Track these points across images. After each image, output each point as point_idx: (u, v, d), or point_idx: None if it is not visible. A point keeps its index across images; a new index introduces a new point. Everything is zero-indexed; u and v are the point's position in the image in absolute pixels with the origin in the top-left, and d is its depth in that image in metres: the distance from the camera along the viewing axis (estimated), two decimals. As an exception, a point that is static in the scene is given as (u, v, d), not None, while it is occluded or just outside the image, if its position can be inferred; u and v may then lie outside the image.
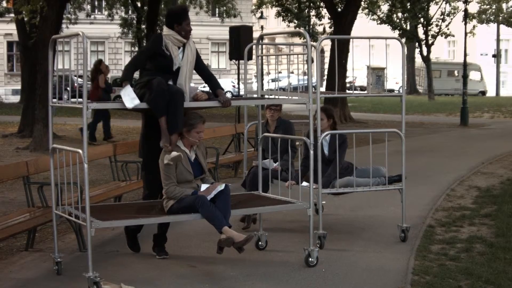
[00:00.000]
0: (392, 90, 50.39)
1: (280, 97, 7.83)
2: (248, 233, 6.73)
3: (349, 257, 7.35)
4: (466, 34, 27.22)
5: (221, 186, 6.70)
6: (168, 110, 6.51)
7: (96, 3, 44.88)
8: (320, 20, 33.42)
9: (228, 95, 44.97)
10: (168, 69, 6.75)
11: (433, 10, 43.21)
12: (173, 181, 6.66)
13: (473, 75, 51.55)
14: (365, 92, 31.73)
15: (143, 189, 7.46)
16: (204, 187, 6.75)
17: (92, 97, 16.84)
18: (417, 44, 44.86)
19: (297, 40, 42.23)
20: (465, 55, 27.50)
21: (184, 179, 6.73)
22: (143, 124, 7.17)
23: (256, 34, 10.75)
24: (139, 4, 30.97)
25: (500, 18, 50.17)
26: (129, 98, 6.26)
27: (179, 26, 6.81)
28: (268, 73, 44.57)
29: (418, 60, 49.14)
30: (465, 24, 27.54)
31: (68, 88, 6.73)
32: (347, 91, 27.12)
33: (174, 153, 6.58)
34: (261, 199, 7.41)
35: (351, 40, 24.57)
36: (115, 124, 24.01)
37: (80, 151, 6.09)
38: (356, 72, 44.01)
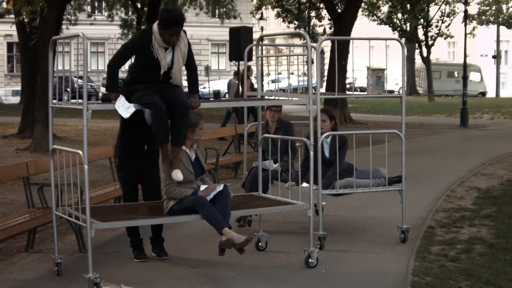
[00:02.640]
0: (392, 91, 50.29)
1: (280, 98, 7.83)
2: (248, 235, 6.71)
3: (349, 258, 7.35)
4: (466, 35, 27.24)
5: (220, 187, 6.71)
6: (172, 122, 6.44)
7: (96, 4, 44.87)
8: (320, 21, 33.42)
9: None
10: (156, 71, 6.48)
11: (433, 11, 43.23)
12: (173, 181, 6.66)
13: (473, 76, 51.53)
14: (365, 93, 31.74)
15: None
16: (203, 187, 6.76)
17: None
18: (417, 45, 44.85)
19: (297, 41, 42.23)
20: (465, 56, 27.51)
21: (185, 179, 6.72)
22: (121, 124, 7.17)
23: (256, 35, 10.76)
24: (139, 5, 30.98)
25: (500, 19, 50.17)
26: (124, 108, 6.22)
27: (162, 31, 6.42)
28: (268, 74, 44.56)
29: (418, 61, 49.12)
30: (465, 25, 27.56)
31: (68, 89, 6.72)
32: (347, 92, 27.11)
33: (179, 175, 6.54)
34: (261, 200, 7.41)
35: (351, 41, 24.63)
36: (115, 125, 24.01)
37: (80, 152, 6.09)
38: (356, 73, 43.98)
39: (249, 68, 19.39)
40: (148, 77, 6.48)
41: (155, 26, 6.45)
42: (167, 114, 6.38)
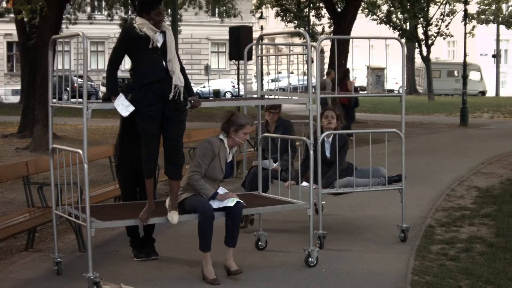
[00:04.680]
0: (392, 90, 50.34)
1: (280, 97, 7.83)
2: (215, 279, 6.45)
3: (349, 257, 7.35)
4: (465, 34, 27.26)
5: (233, 201, 6.55)
6: (165, 154, 6.43)
7: (95, 3, 44.84)
8: (320, 20, 33.41)
9: (228, 95, 45.04)
10: (150, 50, 6.31)
11: (433, 10, 43.23)
12: (201, 171, 6.56)
13: (473, 75, 51.56)
14: (365, 92, 31.77)
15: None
16: (222, 191, 6.69)
17: (343, 100, 17.75)
18: (416, 44, 44.87)
19: (297, 40, 42.20)
20: (465, 55, 27.52)
21: (213, 176, 6.64)
22: (121, 123, 7.16)
23: (256, 34, 10.77)
24: (139, 4, 30.92)
25: (500, 18, 50.19)
26: (123, 106, 6.19)
27: (148, 15, 6.34)
28: (268, 73, 44.57)
29: (418, 60, 49.16)
30: (465, 24, 27.57)
31: (68, 88, 6.71)
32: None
33: (175, 218, 6.40)
34: (261, 199, 7.41)
35: (350, 40, 24.63)
36: (115, 124, 24.01)
37: (80, 151, 6.09)
38: (356, 72, 44.03)
39: (329, 72, 19.47)
40: (151, 70, 6.29)
41: (138, 19, 6.41)
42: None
